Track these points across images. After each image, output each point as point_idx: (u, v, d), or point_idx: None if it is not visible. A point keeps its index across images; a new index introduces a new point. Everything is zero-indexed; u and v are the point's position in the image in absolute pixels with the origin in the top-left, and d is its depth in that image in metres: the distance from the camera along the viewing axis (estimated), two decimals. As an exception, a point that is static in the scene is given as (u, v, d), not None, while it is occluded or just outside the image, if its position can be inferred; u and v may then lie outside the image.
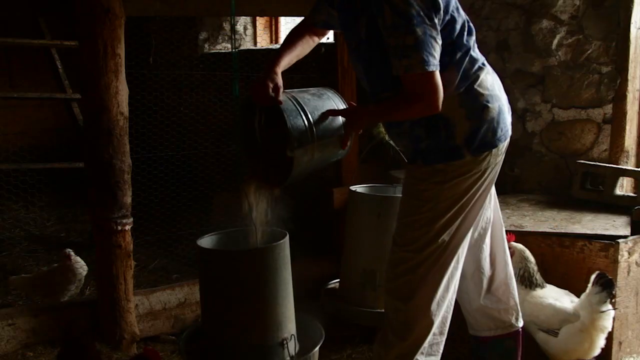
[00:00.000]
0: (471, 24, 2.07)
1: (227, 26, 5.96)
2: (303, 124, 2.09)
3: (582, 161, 3.45)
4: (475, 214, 2.14)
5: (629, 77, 3.39)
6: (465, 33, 2.02)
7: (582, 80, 3.54)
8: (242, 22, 5.89)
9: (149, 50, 5.36)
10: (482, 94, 2.02)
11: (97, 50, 2.82)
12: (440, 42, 1.89)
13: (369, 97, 2.17)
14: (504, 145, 2.10)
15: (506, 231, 2.46)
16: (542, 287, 2.74)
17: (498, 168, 2.14)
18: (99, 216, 2.95)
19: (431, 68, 1.85)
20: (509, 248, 2.47)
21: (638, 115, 3.50)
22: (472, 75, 2.02)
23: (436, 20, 1.87)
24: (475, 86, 2.02)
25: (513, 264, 2.52)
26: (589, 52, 3.51)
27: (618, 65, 3.41)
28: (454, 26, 1.97)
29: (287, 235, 2.44)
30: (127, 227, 2.99)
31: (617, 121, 3.44)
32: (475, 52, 2.07)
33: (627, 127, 3.44)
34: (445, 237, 2.06)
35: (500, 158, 2.12)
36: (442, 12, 1.89)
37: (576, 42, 3.55)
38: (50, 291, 3.41)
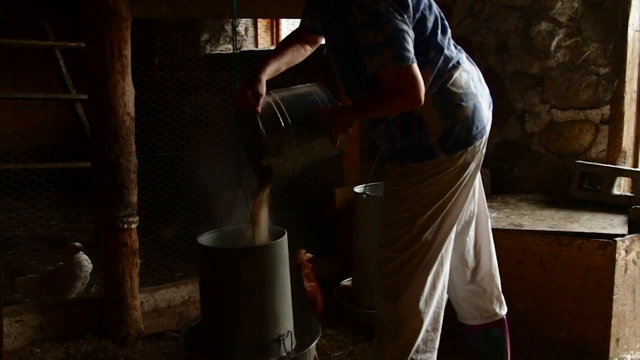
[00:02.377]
0: (446, 23, 2.08)
1: (228, 27, 6.01)
2: (281, 132, 2.09)
3: (580, 161, 3.49)
4: (458, 212, 2.14)
5: (627, 79, 3.44)
6: (439, 32, 2.02)
7: (581, 81, 3.59)
8: (243, 23, 5.93)
9: (154, 51, 5.40)
10: (455, 93, 2.02)
11: (104, 51, 2.87)
12: (413, 36, 1.90)
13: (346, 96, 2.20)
14: (481, 142, 2.09)
15: None
16: None
17: (478, 164, 2.14)
18: (106, 215, 2.99)
19: (405, 62, 1.85)
20: None
21: (635, 116, 3.54)
22: (445, 74, 2.03)
23: (405, 16, 1.88)
24: (449, 85, 2.02)
25: None
26: (587, 53, 3.56)
27: (616, 67, 3.45)
28: (425, 24, 1.98)
29: (286, 234, 2.48)
30: (133, 226, 3.04)
31: (615, 122, 3.49)
32: (450, 51, 2.07)
33: (625, 128, 3.48)
34: (428, 235, 2.08)
35: (480, 155, 2.12)
36: (411, 10, 1.91)
37: (574, 44, 3.60)
38: (57, 289, 3.45)
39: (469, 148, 2.05)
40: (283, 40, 2.36)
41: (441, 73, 2.02)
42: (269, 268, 2.41)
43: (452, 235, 2.16)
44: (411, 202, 2.06)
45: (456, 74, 2.04)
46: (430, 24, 1.99)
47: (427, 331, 2.15)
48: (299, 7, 3.69)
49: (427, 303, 2.12)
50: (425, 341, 2.16)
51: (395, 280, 2.10)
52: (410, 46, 1.87)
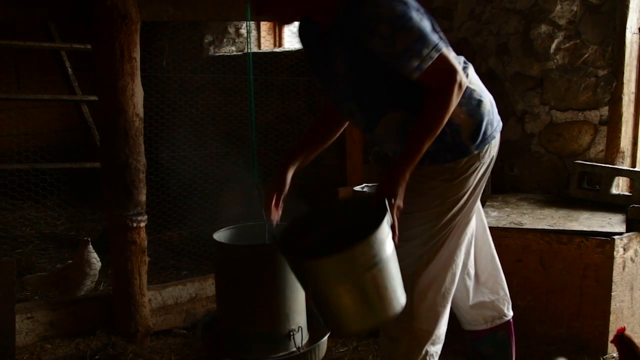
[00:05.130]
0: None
1: (231, 29, 6.06)
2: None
3: (579, 161, 3.54)
4: (473, 208, 2.20)
5: (625, 80, 3.49)
6: (442, 35, 2.06)
7: (580, 83, 3.65)
8: (247, 25, 5.99)
9: (161, 53, 5.47)
10: (474, 90, 2.08)
11: (114, 54, 2.92)
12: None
13: (365, 132, 2.17)
14: (499, 136, 2.15)
15: None
16: None
17: (493, 162, 2.18)
18: (115, 214, 3.05)
19: (443, 47, 1.89)
20: None
21: (633, 117, 3.60)
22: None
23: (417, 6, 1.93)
24: (468, 84, 2.05)
25: None
26: (586, 56, 3.62)
27: (614, 69, 3.51)
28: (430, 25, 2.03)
29: None
30: (142, 224, 3.10)
31: (613, 123, 3.54)
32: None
33: (623, 129, 3.54)
34: (449, 231, 2.12)
35: (496, 151, 2.17)
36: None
37: (573, 47, 3.66)
38: (66, 287, 3.51)
39: (492, 142, 2.11)
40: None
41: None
42: (282, 265, 2.44)
43: (468, 231, 2.21)
44: (440, 199, 2.09)
45: (469, 72, 2.10)
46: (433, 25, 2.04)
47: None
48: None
49: (445, 297, 2.16)
50: (438, 334, 2.18)
51: (413, 272, 2.11)
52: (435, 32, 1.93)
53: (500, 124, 2.18)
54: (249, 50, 2.67)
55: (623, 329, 2.41)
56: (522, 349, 2.99)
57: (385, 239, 1.79)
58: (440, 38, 1.95)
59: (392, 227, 1.87)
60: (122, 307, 3.12)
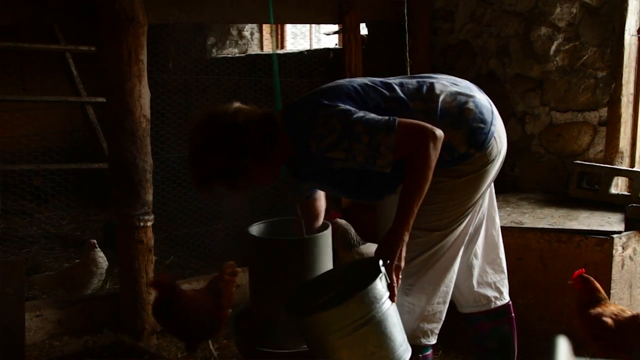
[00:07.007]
0: (385, 80, 2.17)
1: (234, 31, 6.11)
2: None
3: (578, 162, 3.58)
4: (481, 202, 2.26)
5: (623, 82, 3.53)
6: (395, 87, 2.12)
7: (579, 84, 3.69)
8: (249, 27, 6.05)
9: (167, 55, 5.51)
10: (450, 103, 2.10)
11: (121, 56, 2.98)
12: (372, 102, 2.03)
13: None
14: (498, 126, 2.15)
15: (330, 210, 2.70)
16: (359, 245, 3.05)
17: (503, 153, 2.21)
18: (123, 213, 3.10)
19: (394, 123, 1.92)
20: (334, 224, 2.67)
21: (632, 117, 3.63)
22: (432, 103, 2.09)
23: (351, 102, 2.00)
24: (440, 105, 2.09)
25: (338, 237, 2.90)
26: (585, 57, 3.66)
27: (613, 70, 3.55)
28: (379, 92, 2.09)
29: (330, 226, 2.57)
30: (149, 224, 3.15)
31: (612, 123, 3.58)
32: (412, 85, 2.14)
33: (622, 129, 3.57)
34: (457, 226, 2.18)
35: (502, 141, 2.18)
36: (359, 91, 2.04)
37: (573, 48, 3.71)
38: (73, 286, 3.55)
39: (495, 135, 2.12)
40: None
41: (427, 104, 2.10)
42: (316, 257, 2.48)
43: (475, 224, 2.28)
44: (447, 195, 2.13)
45: (437, 92, 2.12)
46: (376, 93, 2.10)
47: (437, 303, 2.23)
48: (305, 12, 3.83)
49: (442, 281, 2.21)
50: (434, 312, 2.23)
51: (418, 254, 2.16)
52: (379, 113, 1.97)
53: (495, 111, 2.17)
54: (274, 51, 2.69)
55: (582, 271, 2.52)
56: (522, 346, 3.01)
57: (379, 299, 1.88)
58: (389, 100, 2.05)
59: (391, 287, 1.94)
60: (129, 305, 3.17)
